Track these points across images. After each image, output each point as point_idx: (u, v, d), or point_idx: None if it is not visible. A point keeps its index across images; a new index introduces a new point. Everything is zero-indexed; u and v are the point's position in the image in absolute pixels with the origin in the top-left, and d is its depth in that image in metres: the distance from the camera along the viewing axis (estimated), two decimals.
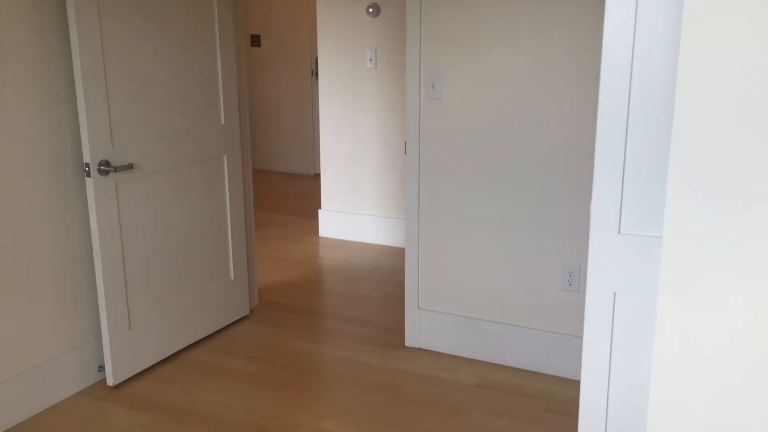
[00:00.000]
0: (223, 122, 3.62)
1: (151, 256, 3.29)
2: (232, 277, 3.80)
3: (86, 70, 2.86)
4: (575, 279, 3.18)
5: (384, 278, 4.57)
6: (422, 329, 3.56)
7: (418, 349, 3.59)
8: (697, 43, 1.44)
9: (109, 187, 3.02)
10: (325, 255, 5.03)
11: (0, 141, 2.73)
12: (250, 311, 4.02)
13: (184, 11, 3.30)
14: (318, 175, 7.24)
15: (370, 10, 4.86)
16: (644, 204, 1.77)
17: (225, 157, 3.66)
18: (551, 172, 3.14)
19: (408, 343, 3.61)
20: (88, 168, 2.94)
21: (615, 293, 1.84)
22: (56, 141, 2.94)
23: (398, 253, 5.01)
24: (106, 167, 2.98)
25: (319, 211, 5.43)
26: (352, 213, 5.28)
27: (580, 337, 3.20)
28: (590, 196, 3.03)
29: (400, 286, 4.42)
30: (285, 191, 6.84)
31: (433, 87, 3.28)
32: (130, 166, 3.07)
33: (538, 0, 3.00)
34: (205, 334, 3.67)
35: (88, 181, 2.96)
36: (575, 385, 3.19)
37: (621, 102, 1.75)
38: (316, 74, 7.11)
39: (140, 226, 3.21)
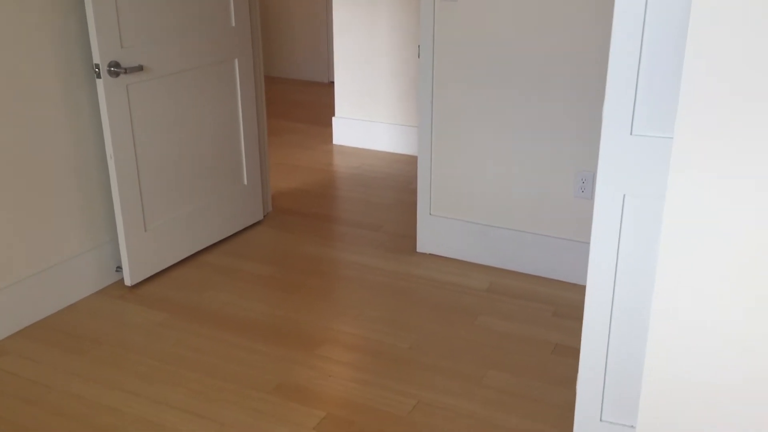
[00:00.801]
0: (233, 24, 3.55)
1: (164, 159, 3.30)
2: (245, 182, 3.82)
3: None
4: (588, 186, 3.17)
5: (397, 185, 4.58)
6: (433, 235, 3.59)
7: (429, 254, 3.63)
8: None
9: (119, 89, 3.01)
10: (338, 162, 5.03)
11: (8, 45, 2.71)
12: (264, 216, 4.06)
13: None
14: (332, 83, 7.16)
15: None
16: (658, 105, 1.74)
17: (236, 60, 3.62)
18: (567, 77, 3.08)
19: (419, 248, 3.64)
20: (98, 69, 2.92)
21: (624, 195, 1.83)
22: (65, 43, 2.91)
23: (411, 161, 5.00)
24: (116, 68, 2.95)
25: (333, 118, 5.39)
26: (366, 120, 5.25)
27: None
28: (598, 104, 2.98)
29: (413, 193, 4.43)
30: (298, 99, 6.79)
31: None
32: (140, 68, 3.04)
33: None
34: (219, 238, 3.72)
35: (99, 82, 2.94)
36: (583, 290, 3.23)
37: (638, 2, 1.70)
38: None
39: (152, 128, 3.20)
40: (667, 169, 1.72)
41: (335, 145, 5.40)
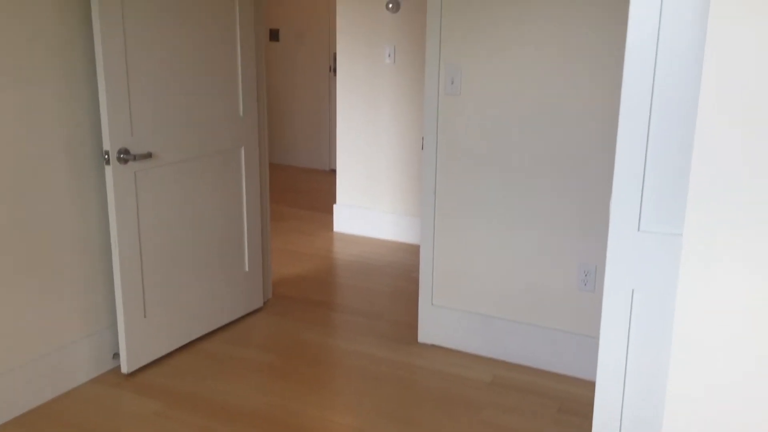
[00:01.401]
0: (241, 114, 3.63)
1: (168, 245, 3.30)
2: (247, 269, 3.82)
3: (108, 60, 2.88)
4: (591, 279, 3.17)
5: (397, 274, 4.57)
6: (435, 325, 3.55)
7: (431, 345, 3.58)
8: (723, 40, 1.42)
9: (128, 176, 3.04)
10: (339, 250, 5.03)
11: (21, 127, 2.76)
12: (264, 303, 4.03)
13: (207, 4, 3.31)
14: (333, 171, 7.25)
15: (390, 5, 4.86)
16: (665, 201, 1.76)
17: (243, 149, 3.67)
18: (570, 169, 3.12)
19: (421, 339, 3.60)
20: (108, 156, 2.96)
21: (633, 291, 1.83)
22: (76, 128, 2.96)
23: (412, 250, 5.01)
24: (125, 155, 3.00)
25: (334, 206, 5.43)
26: (367, 209, 5.29)
27: (594, 338, 3.19)
28: (610, 194, 3.01)
29: (414, 282, 4.41)
30: (300, 186, 6.86)
31: (452, 82, 3.27)
32: (149, 155, 3.08)
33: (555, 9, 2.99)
34: (219, 325, 3.68)
35: (108, 169, 2.97)
36: (588, 385, 3.18)
37: (643, 98, 1.74)
38: (334, 70, 7.12)
39: (157, 215, 3.22)
40: (676, 264, 1.72)
41: (336, 232, 5.42)
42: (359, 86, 5.12)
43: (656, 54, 1.72)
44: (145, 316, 3.22)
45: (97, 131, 3.03)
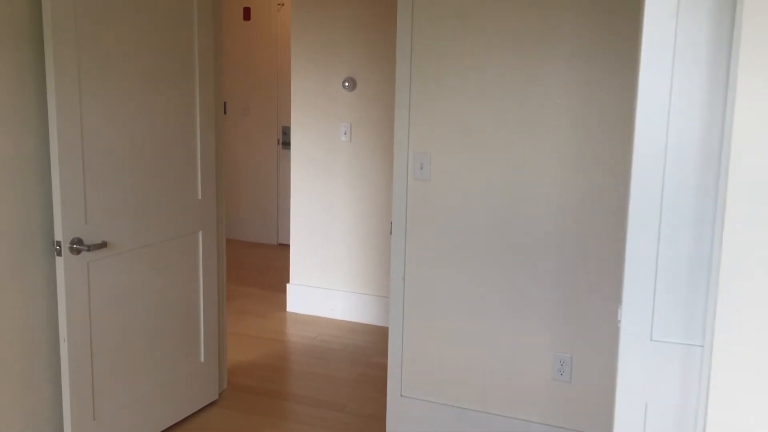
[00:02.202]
0: (200, 197, 3.47)
1: (120, 339, 3.07)
2: (202, 359, 3.59)
3: (63, 140, 2.70)
4: (567, 368, 3.08)
5: (357, 358, 4.40)
6: (405, 418, 3.39)
7: None
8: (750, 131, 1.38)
9: (80, 267, 2.83)
10: (294, 332, 4.83)
11: None
12: (219, 395, 3.79)
13: (165, 74, 3.18)
14: (282, 245, 7.08)
15: (346, 84, 4.82)
16: (679, 309, 1.69)
17: (200, 233, 3.50)
18: (542, 256, 3.07)
19: None
20: (60, 247, 2.75)
21: (647, 404, 1.74)
22: (22, 216, 2.75)
23: (369, 331, 4.85)
24: (78, 245, 2.79)
25: (288, 285, 5.25)
26: (324, 288, 5.12)
27: (571, 430, 3.08)
28: (583, 283, 2.96)
29: (375, 367, 4.25)
30: (248, 261, 6.64)
31: (422, 168, 3.21)
32: (104, 245, 2.88)
33: (534, 80, 2.98)
34: (173, 422, 3.43)
35: (59, 260, 2.76)
36: None
37: (653, 197, 1.69)
38: (283, 143, 7.03)
39: (110, 307, 3.00)
40: (693, 376, 1.64)
41: (289, 312, 5.23)
42: (314, 162, 5.02)
43: (666, 139, 1.67)
44: (94, 419, 2.96)
45: (46, 217, 2.82)
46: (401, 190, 3.25)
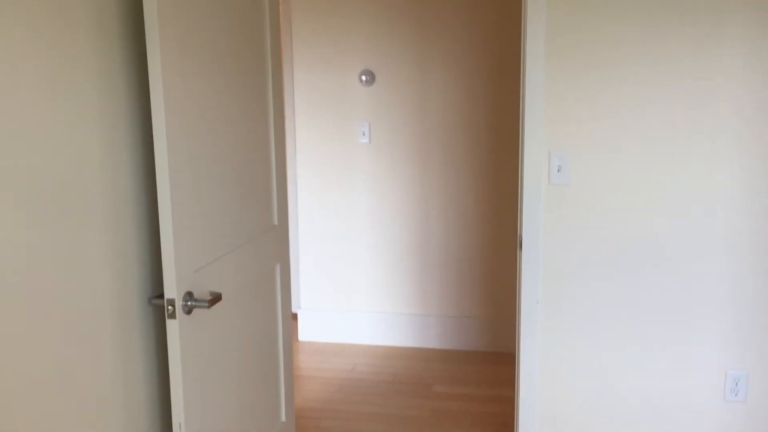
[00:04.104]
0: (276, 222, 2.81)
1: (224, 415, 2.38)
2: (284, 418, 2.94)
3: (174, 178, 1.99)
4: (741, 387, 2.73)
5: (417, 390, 3.86)
6: None
7: None
8: None
9: (193, 330, 2.13)
10: (323, 365, 4.21)
11: (60, 271, 1.78)
12: None
13: (245, 101, 2.51)
14: None
15: (364, 78, 4.24)
16: None
17: (278, 266, 2.84)
18: (708, 267, 2.69)
19: None
20: (173, 307, 2.03)
21: None
22: (121, 270, 2.01)
23: (409, 355, 4.32)
24: (192, 302, 2.09)
25: (299, 311, 4.60)
26: (341, 311, 4.52)
27: None
28: (754, 291, 2.61)
29: (444, 398, 3.73)
30: None
31: (559, 170, 2.74)
32: (219, 298, 2.18)
33: (685, 73, 2.59)
34: None
35: (172, 323, 2.04)
36: None
37: None
38: None
39: (212, 378, 2.31)
40: None
41: (303, 342, 4.58)
42: (328, 169, 4.40)
43: None
44: None
45: (141, 273, 2.10)
46: (535, 197, 2.77)
